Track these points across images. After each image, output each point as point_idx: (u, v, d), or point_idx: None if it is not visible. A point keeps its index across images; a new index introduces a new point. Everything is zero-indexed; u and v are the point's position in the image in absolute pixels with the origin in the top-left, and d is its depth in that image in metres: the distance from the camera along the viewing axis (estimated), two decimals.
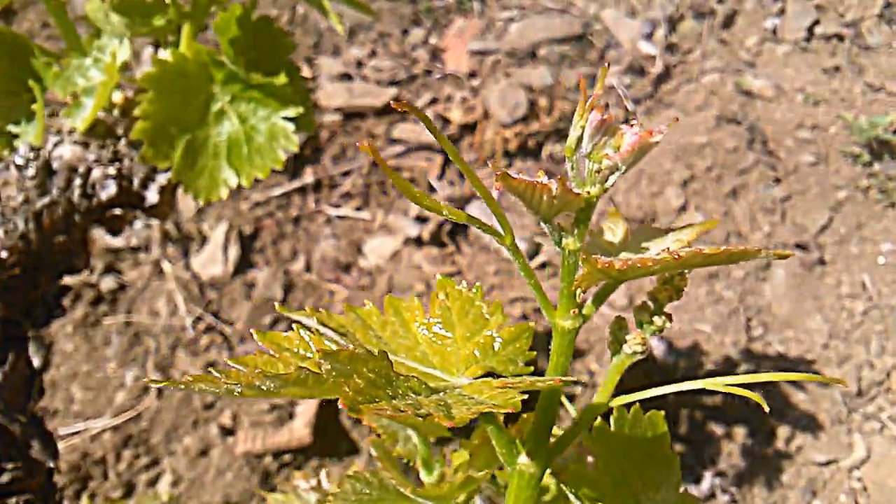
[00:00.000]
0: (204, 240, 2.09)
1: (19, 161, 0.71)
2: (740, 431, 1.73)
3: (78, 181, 0.71)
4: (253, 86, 0.70)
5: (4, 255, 0.69)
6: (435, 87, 2.46)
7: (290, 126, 0.72)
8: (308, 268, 2.06)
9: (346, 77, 2.48)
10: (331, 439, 1.71)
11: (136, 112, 0.68)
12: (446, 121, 2.38)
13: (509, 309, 1.98)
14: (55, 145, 0.72)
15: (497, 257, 2.06)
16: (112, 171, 0.71)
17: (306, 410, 1.62)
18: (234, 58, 0.71)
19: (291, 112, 0.72)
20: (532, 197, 0.31)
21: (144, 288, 2.03)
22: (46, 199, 0.70)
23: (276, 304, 0.38)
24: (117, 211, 0.72)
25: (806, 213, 2.03)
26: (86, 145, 0.73)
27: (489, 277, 2.02)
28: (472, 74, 2.48)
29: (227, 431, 1.69)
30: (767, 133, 2.16)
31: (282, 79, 0.70)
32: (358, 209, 2.22)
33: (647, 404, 0.45)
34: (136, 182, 0.72)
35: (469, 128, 2.37)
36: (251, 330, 0.35)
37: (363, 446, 1.71)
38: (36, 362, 1.91)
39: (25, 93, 0.79)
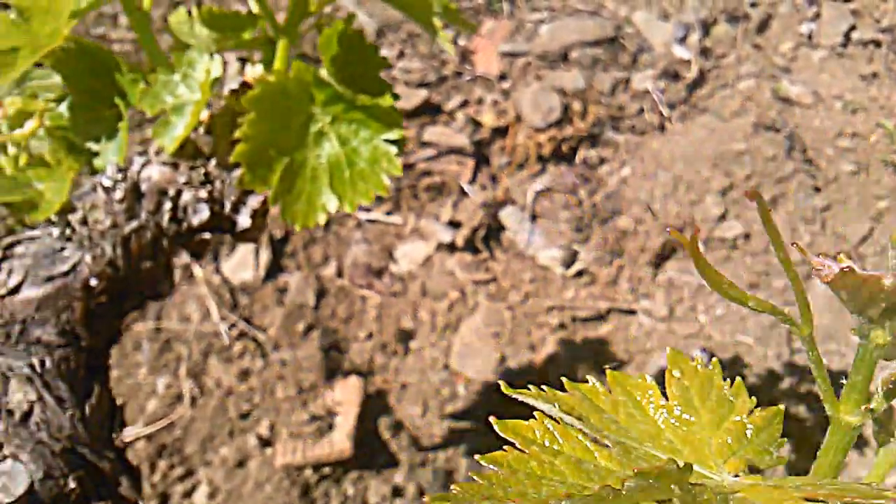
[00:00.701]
0: (234, 244, 2.05)
1: (107, 183, 0.68)
2: None
3: (168, 205, 0.67)
4: (357, 107, 0.67)
5: (94, 282, 0.65)
6: (465, 90, 2.42)
7: (393, 149, 0.69)
8: (340, 273, 2.03)
9: None
10: (369, 451, 1.68)
11: (237, 134, 0.64)
12: (477, 124, 2.34)
13: (545, 318, 1.95)
14: (143, 166, 0.69)
15: (532, 264, 2.03)
16: (203, 194, 0.68)
17: (345, 421, 1.59)
18: (336, 76, 0.68)
19: (394, 134, 0.68)
20: (860, 291, 0.28)
21: (174, 293, 2.00)
22: (135, 224, 0.67)
23: (502, 385, 0.33)
24: (206, 235, 0.69)
25: (846, 223, 2.00)
26: (175, 166, 0.69)
27: (524, 285, 1.99)
28: (503, 77, 2.44)
29: (265, 442, 1.66)
30: (806, 141, 2.13)
31: (388, 100, 0.67)
32: (389, 213, 2.19)
33: None
34: (227, 205, 0.69)
35: (501, 131, 2.34)
36: (490, 419, 0.31)
37: (402, 458, 1.68)
38: None
39: (107, 109, 0.76)
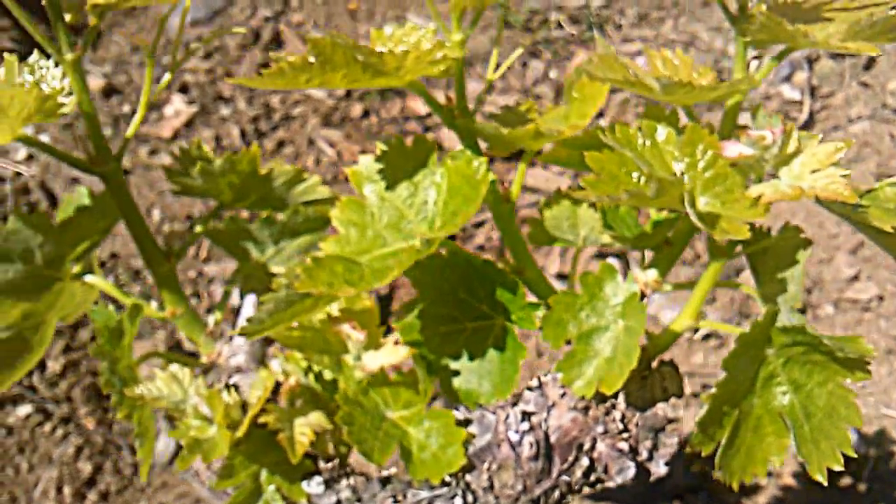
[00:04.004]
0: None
1: (513, 437, 0.57)
2: None
3: (584, 460, 0.56)
4: (820, 350, 0.56)
5: None
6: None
7: (851, 395, 0.58)
8: None
9: None
10: None
11: (703, 397, 0.53)
12: None
13: None
14: (549, 411, 0.58)
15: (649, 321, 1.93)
16: (623, 445, 0.57)
17: None
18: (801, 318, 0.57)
19: (854, 377, 0.58)
20: None
21: None
22: (547, 484, 0.56)
23: None
24: (610, 484, 0.59)
25: None
26: (585, 411, 0.58)
27: None
28: (600, 115, 2.33)
29: None
30: None
31: (861, 345, 0.57)
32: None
33: None
34: (643, 452, 0.58)
35: None
36: None
37: None
38: (171, 444, 1.75)
39: (469, 321, 0.64)
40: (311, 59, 0.54)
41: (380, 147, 0.66)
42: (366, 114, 2.33)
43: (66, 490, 1.66)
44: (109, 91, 2.29)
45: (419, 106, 2.37)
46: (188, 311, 0.73)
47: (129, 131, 0.68)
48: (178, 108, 2.33)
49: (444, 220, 0.60)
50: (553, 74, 2.42)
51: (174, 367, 0.65)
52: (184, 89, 2.35)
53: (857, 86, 2.32)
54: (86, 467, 1.68)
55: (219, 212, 0.73)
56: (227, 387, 0.71)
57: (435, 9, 0.62)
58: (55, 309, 0.74)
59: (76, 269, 0.73)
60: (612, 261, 0.74)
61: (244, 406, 0.63)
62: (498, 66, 0.72)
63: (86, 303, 0.75)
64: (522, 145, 0.62)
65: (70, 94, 0.66)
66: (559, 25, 2.50)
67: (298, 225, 0.72)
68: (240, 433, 0.60)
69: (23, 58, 0.68)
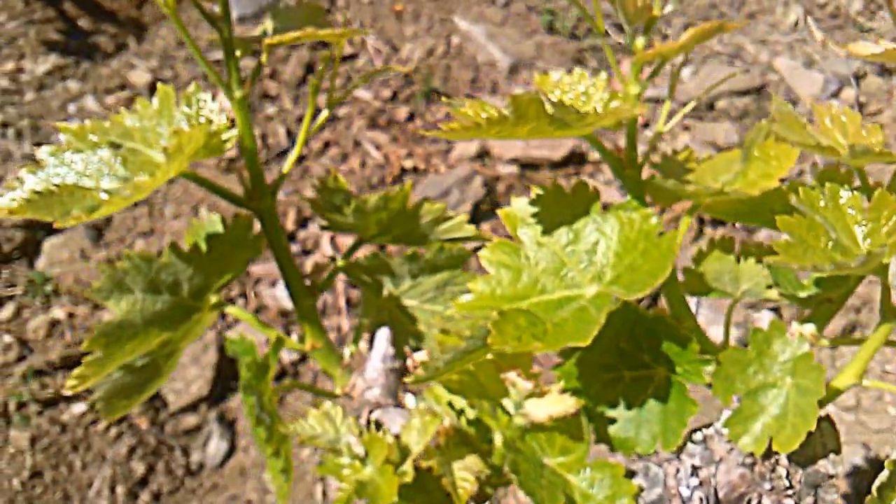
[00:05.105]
0: None
1: (685, 492, 0.57)
2: None
3: None
4: None
5: None
6: (610, 137, 2.30)
7: None
8: None
9: None
10: None
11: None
12: None
13: None
14: (716, 466, 0.58)
15: None
16: (789, 502, 0.57)
17: None
18: None
19: None
20: None
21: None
22: None
23: None
24: None
25: None
26: (752, 466, 0.58)
27: None
28: (646, 125, 2.32)
29: None
30: None
31: None
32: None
33: None
34: None
35: None
36: None
37: None
38: (222, 447, 1.75)
39: (627, 370, 0.64)
40: (507, 114, 0.54)
41: (535, 191, 0.66)
42: (411, 117, 2.32)
43: (119, 489, 1.67)
44: (155, 86, 2.28)
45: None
46: (327, 343, 0.73)
47: (286, 167, 0.68)
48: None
49: (616, 274, 0.60)
50: None
51: (327, 405, 0.65)
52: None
53: None
54: (139, 467, 1.68)
55: (359, 246, 0.73)
56: (371, 423, 0.71)
57: (613, 58, 0.62)
58: (188, 337, 0.74)
59: (214, 299, 0.73)
60: (767, 313, 0.74)
61: (400, 447, 0.63)
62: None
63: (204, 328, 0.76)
64: (693, 200, 0.62)
65: (231, 128, 0.66)
66: (606, 33, 2.49)
67: (440, 261, 0.72)
68: (408, 479, 0.60)
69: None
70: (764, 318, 0.77)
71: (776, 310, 0.77)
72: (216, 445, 1.75)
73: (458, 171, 2.14)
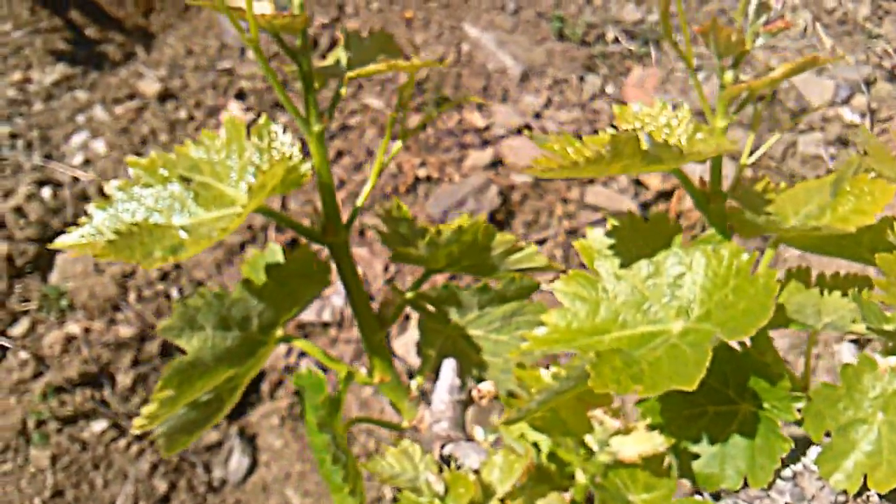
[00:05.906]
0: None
1: None
2: None
3: None
4: None
5: None
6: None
7: None
8: None
9: (527, 129, 2.30)
10: None
11: None
12: (641, 185, 2.23)
13: None
14: (809, 503, 0.58)
15: None
16: None
17: None
18: None
19: None
20: None
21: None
22: None
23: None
24: None
25: None
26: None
27: None
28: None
29: None
30: None
31: None
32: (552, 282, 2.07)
33: None
34: None
35: (666, 195, 2.23)
36: None
37: None
38: (244, 462, 1.74)
39: (711, 405, 0.64)
40: (604, 153, 0.54)
41: (611, 222, 0.66)
42: (423, 125, 2.31)
43: None
44: (164, 96, 2.25)
45: (476, 119, 2.35)
46: (395, 377, 0.72)
47: (360, 200, 0.67)
48: (234, 115, 2.31)
49: (706, 310, 0.59)
50: (610, 90, 2.42)
51: (406, 443, 0.64)
52: (240, 95, 2.32)
53: None
54: (161, 484, 1.67)
55: (427, 278, 0.72)
56: (446, 459, 0.70)
57: (702, 93, 0.61)
58: (252, 371, 0.73)
59: (280, 332, 0.72)
60: (848, 346, 0.74)
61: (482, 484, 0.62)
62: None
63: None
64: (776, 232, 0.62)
65: (304, 162, 0.65)
66: (616, 40, 2.49)
67: (510, 292, 0.71)
68: None
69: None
70: (844, 351, 0.77)
71: (856, 342, 0.77)
72: (238, 461, 1.73)
73: (472, 180, 2.13)
